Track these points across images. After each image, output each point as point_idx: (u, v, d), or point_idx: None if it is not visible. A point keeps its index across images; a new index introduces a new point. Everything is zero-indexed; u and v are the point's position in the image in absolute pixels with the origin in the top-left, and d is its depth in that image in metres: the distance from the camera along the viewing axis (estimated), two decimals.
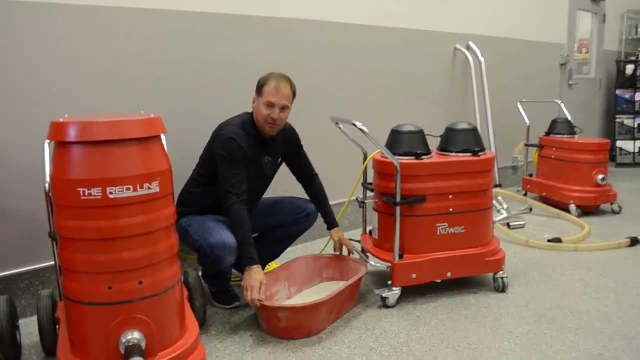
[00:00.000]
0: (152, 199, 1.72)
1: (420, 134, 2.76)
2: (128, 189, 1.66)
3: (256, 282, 2.27)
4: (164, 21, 2.87)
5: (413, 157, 2.69)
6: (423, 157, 2.70)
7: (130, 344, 1.67)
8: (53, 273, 2.62)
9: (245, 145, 2.49)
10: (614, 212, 4.47)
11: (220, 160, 2.46)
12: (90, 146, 1.65)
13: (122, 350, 1.68)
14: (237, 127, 2.51)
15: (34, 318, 2.31)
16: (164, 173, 1.78)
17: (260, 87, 2.52)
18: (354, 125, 2.52)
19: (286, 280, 2.68)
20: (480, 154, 2.79)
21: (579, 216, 4.28)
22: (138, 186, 1.68)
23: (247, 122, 2.57)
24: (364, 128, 2.51)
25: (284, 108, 2.52)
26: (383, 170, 2.75)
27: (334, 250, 2.85)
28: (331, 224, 2.85)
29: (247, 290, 2.27)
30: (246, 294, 2.27)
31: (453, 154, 2.80)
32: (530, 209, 4.53)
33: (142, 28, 2.79)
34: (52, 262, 2.51)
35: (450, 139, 2.85)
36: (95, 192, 1.63)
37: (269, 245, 2.82)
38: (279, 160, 2.77)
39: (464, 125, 2.87)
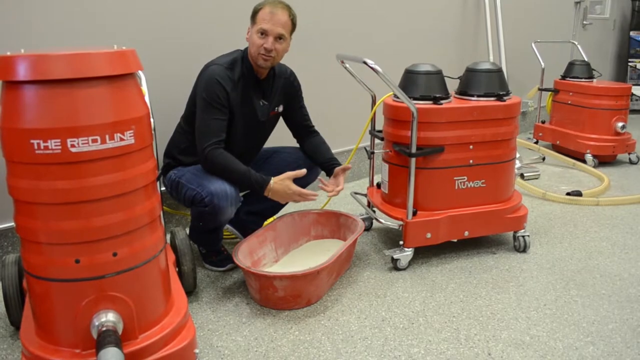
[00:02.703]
0: (126, 153, 1.39)
1: (438, 75, 2.42)
2: (95, 140, 1.32)
3: (291, 190, 2.16)
4: None
5: (431, 102, 2.35)
6: (442, 101, 2.37)
7: (104, 328, 1.37)
8: None
9: (230, 88, 2.17)
10: (631, 162, 4.20)
11: (200, 101, 2.17)
12: (46, 87, 1.30)
13: (94, 335, 1.39)
14: (223, 67, 2.19)
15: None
16: (141, 120, 1.44)
17: (254, 14, 2.20)
18: (365, 63, 2.17)
19: (273, 242, 2.39)
20: (505, 98, 2.46)
21: (595, 166, 4.00)
22: (107, 137, 1.34)
23: (239, 60, 2.24)
24: (376, 66, 2.16)
25: (279, 38, 2.18)
26: (395, 116, 2.42)
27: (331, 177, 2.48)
28: (334, 167, 2.48)
29: (298, 198, 2.19)
30: (299, 200, 2.20)
31: (474, 98, 2.46)
32: (544, 159, 4.24)
33: None
34: None
35: (472, 81, 2.51)
36: (54, 144, 1.29)
37: (268, 199, 2.50)
38: (280, 108, 2.42)
39: (486, 66, 2.52)
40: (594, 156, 4.05)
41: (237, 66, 2.22)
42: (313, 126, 2.56)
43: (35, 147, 1.30)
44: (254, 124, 2.32)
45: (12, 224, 2.28)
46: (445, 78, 2.49)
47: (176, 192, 2.27)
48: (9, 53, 1.35)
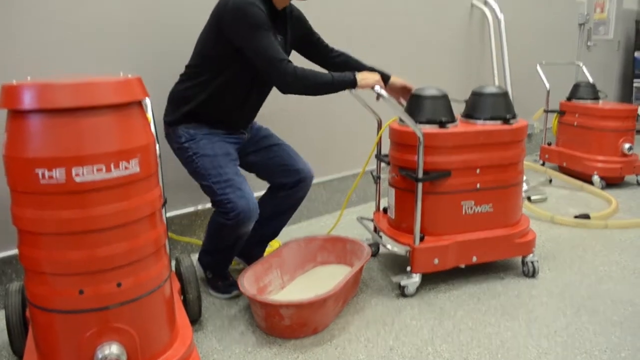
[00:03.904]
0: (131, 182, 1.38)
1: (444, 99, 2.41)
2: (99, 169, 1.32)
3: (372, 81, 2.15)
4: None
5: (437, 126, 2.34)
6: (448, 125, 2.35)
7: None
8: None
9: (265, 11, 2.06)
10: (639, 183, 4.16)
11: (246, 33, 2.01)
12: (51, 115, 1.30)
13: None
14: None
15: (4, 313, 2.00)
16: (146, 148, 1.43)
17: None
18: (372, 88, 2.17)
19: (278, 268, 2.36)
20: (511, 121, 2.44)
21: (603, 188, 3.97)
22: (112, 166, 1.34)
23: None
24: (383, 92, 2.16)
25: None
26: (402, 140, 2.41)
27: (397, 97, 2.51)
28: (384, 75, 2.45)
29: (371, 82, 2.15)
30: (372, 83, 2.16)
31: (481, 121, 2.45)
32: (550, 181, 4.21)
33: None
34: None
35: (478, 105, 2.49)
36: (58, 174, 1.28)
37: (268, 221, 2.48)
38: (289, 47, 2.35)
39: (492, 89, 2.52)
40: (601, 178, 4.02)
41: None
42: (333, 48, 2.50)
43: (40, 176, 1.29)
44: None
45: (16, 251, 2.27)
46: (451, 101, 2.48)
47: (190, 169, 2.22)
48: (14, 82, 1.35)
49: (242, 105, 2.27)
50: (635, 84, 6.43)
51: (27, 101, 1.29)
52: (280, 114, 2.94)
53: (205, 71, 2.19)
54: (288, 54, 2.31)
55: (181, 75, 2.28)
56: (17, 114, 1.33)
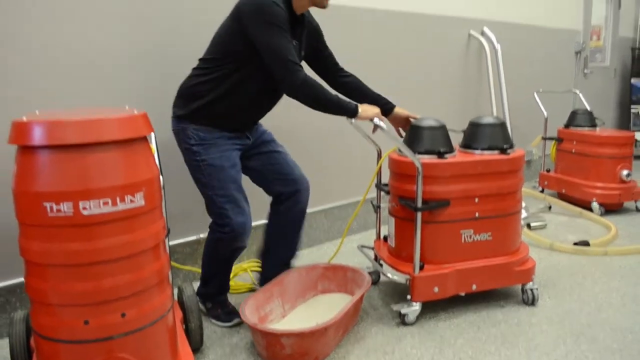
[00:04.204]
0: (135, 215, 1.42)
1: (442, 130, 2.46)
2: (106, 203, 1.36)
3: (372, 114, 2.22)
4: (156, 4, 2.55)
5: (435, 156, 2.39)
6: (446, 155, 2.40)
7: None
8: None
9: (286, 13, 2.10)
10: (638, 209, 4.19)
11: (264, 29, 2.03)
12: (59, 151, 1.35)
13: None
14: None
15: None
16: (151, 181, 1.48)
17: None
18: (371, 120, 2.22)
19: (280, 297, 2.39)
20: (509, 151, 2.49)
21: (602, 215, 3.99)
22: (118, 199, 1.38)
23: None
24: (382, 124, 2.21)
25: None
26: (401, 170, 2.45)
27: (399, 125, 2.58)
28: (388, 108, 2.52)
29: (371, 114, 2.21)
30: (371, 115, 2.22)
31: (478, 151, 2.50)
32: (550, 207, 4.24)
33: (130, 11, 2.48)
34: None
35: (475, 135, 2.54)
36: (66, 208, 1.33)
37: (279, 241, 2.53)
38: (303, 53, 2.38)
39: (490, 120, 2.57)
40: (600, 204, 4.05)
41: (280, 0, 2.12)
42: (343, 68, 2.54)
43: (48, 210, 1.33)
44: None
45: (20, 280, 2.30)
46: (449, 131, 2.53)
47: (194, 172, 2.24)
48: (25, 118, 1.40)
49: (251, 106, 2.29)
50: (632, 110, 6.50)
51: (37, 137, 1.34)
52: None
53: (219, 67, 2.18)
54: (300, 60, 2.34)
55: (194, 69, 2.27)
56: (26, 149, 1.38)
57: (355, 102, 2.20)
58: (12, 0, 2.16)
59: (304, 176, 2.49)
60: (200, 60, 2.27)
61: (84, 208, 1.33)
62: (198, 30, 2.70)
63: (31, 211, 1.35)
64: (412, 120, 2.53)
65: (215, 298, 2.44)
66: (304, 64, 2.39)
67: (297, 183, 2.44)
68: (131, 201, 1.40)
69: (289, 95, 2.13)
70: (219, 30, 2.23)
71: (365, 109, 2.21)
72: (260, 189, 2.48)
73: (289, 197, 2.45)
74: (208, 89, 2.20)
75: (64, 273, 1.38)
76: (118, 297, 1.41)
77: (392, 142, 2.28)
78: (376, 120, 2.21)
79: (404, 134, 2.56)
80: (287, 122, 2.59)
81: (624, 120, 6.69)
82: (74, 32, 2.34)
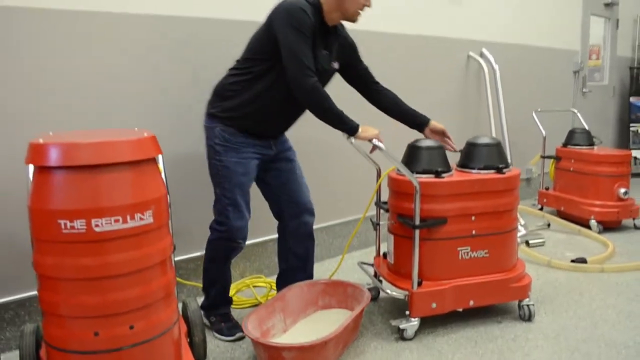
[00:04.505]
0: (144, 232, 1.50)
1: (440, 150, 2.54)
2: (117, 220, 1.44)
3: (371, 135, 2.30)
4: (160, 28, 2.65)
5: (433, 175, 2.46)
6: (444, 175, 2.47)
7: None
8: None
9: (313, 22, 2.21)
10: (636, 227, 4.24)
11: (288, 32, 2.15)
12: (74, 171, 1.43)
13: None
14: (305, 1, 2.22)
15: None
16: (159, 200, 1.56)
17: None
18: (369, 140, 2.30)
19: (282, 312, 2.45)
20: (505, 170, 2.56)
21: (600, 232, 4.05)
22: (128, 217, 1.46)
23: (310, 6, 2.24)
24: (381, 145, 2.29)
25: None
26: (399, 189, 2.52)
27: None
28: (424, 122, 2.64)
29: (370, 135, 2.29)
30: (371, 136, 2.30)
31: (475, 171, 2.57)
32: (549, 225, 4.29)
33: (135, 36, 2.58)
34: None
35: (472, 155, 2.62)
36: (79, 225, 1.41)
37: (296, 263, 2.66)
38: (336, 65, 2.47)
39: (486, 140, 2.65)
40: (599, 222, 4.11)
41: (310, 8, 2.23)
42: (379, 82, 2.65)
43: (63, 226, 1.41)
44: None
45: (29, 294, 2.38)
46: (447, 151, 2.61)
47: (211, 168, 2.39)
48: (41, 140, 1.48)
49: (278, 112, 2.39)
50: (631, 129, 6.58)
51: (53, 158, 1.43)
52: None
53: (250, 68, 2.30)
54: (332, 69, 2.44)
55: (230, 69, 2.40)
56: (42, 170, 1.46)
57: (358, 124, 2.29)
58: (29, 27, 2.27)
59: (310, 202, 2.61)
60: (236, 60, 2.40)
61: (96, 225, 1.41)
62: (205, 57, 2.81)
63: (46, 228, 1.43)
64: (448, 134, 2.66)
65: (218, 310, 2.51)
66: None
67: (299, 206, 2.57)
68: (140, 219, 1.48)
69: (298, 96, 2.22)
70: (253, 34, 2.35)
71: (365, 129, 2.30)
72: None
73: (291, 218, 2.57)
74: (239, 89, 2.33)
75: (76, 286, 1.45)
76: (127, 310, 1.48)
77: (391, 161, 2.36)
78: (375, 141, 2.29)
79: (452, 147, 2.66)
80: (290, 140, 2.68)
81: (624, 139, 6.77)
82: (85, 57, 2.44)
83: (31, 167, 1.75)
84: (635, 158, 6.56)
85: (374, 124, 2.34)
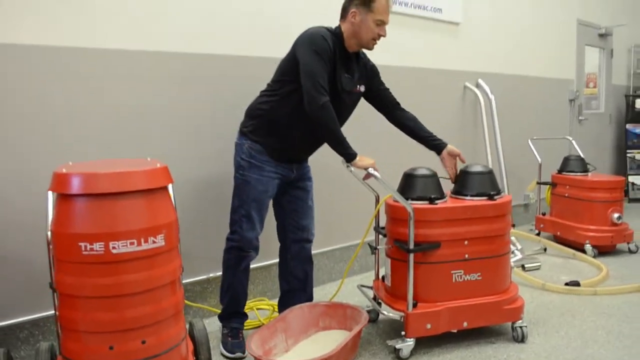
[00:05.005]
0: (156, 254, 1.64)
1: (434, 178, 2.68)
2: (132, 243, 1.58)
3: (367, 164, 2.45)
4: (170, 64, 2.83)
5: (427, 202, 2.60)
6: (437, 201, 2.61)
7: None
8: (54, 323, 2.49)
9: (333, 49, 2.40)
10: (631, 251, 4.34)
11: (307, 54, 2.35)
12: (93, 199, 1.58)
13: None
14: (326, 30, 2.45)
15: None
16: (170, 225, 1.70)
17: (369, 2, 2.43)
18: (365, 169, 2.45)
19: (283, 333, 2.56)
20: (496, 197, 2.70)
21: (595, 256, 4.15)
22: (142, 240, 1.60)
23: (333, 32, 2.49)
24: (376, 173, 2.43)
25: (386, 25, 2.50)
26: (396, 215, 2.66)
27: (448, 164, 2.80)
28: (442, 145, 2.79)
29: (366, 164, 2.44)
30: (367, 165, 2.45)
31: (468, 198, 2.71)
32: (545, 249, 4.40)
33: (145, 71, 2.75)
34: (53, 312, 2.44)
35: (465, 182, 2.76)
36: (98, 247, 1.55)
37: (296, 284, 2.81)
38: (362, 88, 2.66)
39: (478, 168, 2.79)
40: (594, 246, 4.21)
41: (333, 36, 2.45)
42: (400, 104, 2.82)
43: (83, 248, 1.55)
44: (336, 94, 2.47)
45: (43, 314, 2.51)
46: (442, 179, 2.74)
47: (235, 179, 2.57)
48: (64, 170, 1.63)
49: (302, 134, 2.54)
50: (628, 155, 6.71)
51: (74, 187, 1.58)
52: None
53: (278, 91, 2.50)
54: (356, 91, 2.63)
55: (261, 92, 2.60)
56: (64, 197, 1.61)
57: (356, 152, 2.44)
58: (54, 64, 2.45)
59: (312, 229, 2.81)
60: (267, 84, 2.59)
61: (113, 247, 1.55)
62: (213, 92, 2.98)
63: (67, 249, 1.57)
64: (463, 159, 2.80)
65: (230, 323, 2.65)
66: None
67: (304, 236, 2.78)
68: (153, 242, 1.62)
69: (309, 111, 2.37)
70: (282, 59, 2.54)
71: (362, 158, 2.46)
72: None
73: (292, 242, 2.75)
74: (267, 108, 2.52)
75: (93, 304, 1.59)
76: (140, 326, 1.61)
77: (386, 189, 2.49)
78: (371, 170, 2.43)
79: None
80: None
81: (621, 165, 6.89)
82: (104, 92, 2.61)
83: (50, 195, 1.91)
84: (633, 184, 6.69)
85: (374, 152, 2.50)
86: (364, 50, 2.65)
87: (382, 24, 2.46)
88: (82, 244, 1.55)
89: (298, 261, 2.78)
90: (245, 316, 2.73)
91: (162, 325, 1.67)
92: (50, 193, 1.95)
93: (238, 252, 2.57)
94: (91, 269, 1.56)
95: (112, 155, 2.62)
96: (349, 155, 2.44)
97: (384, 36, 2.50)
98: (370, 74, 2.72)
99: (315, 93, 2.34)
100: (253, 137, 2.54)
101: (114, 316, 1.58)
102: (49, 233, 1.85)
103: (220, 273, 2.68)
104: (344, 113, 2.62)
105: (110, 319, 1.58)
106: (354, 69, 2.59)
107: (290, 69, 2.44)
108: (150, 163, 1.77)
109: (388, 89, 2.81)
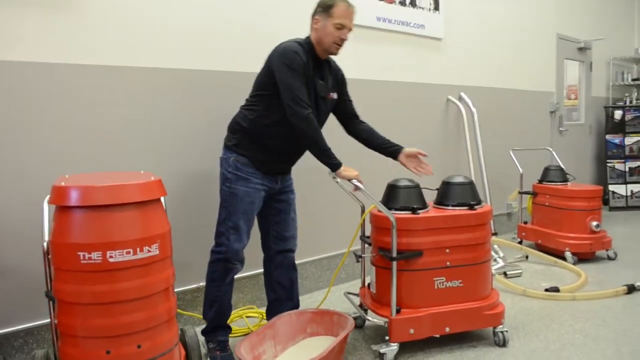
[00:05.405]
0: (151, 262, 1.73)
1: (416, 189, 2.79)
2: (128, 252, 1.67)
3: (352, 175, 2.54)
4: (164, 80, 2.93)
5: (409, 212, 2.71)
6: (419, 211, 2.72)
7: None
8: (48, 332, 2.59)
9: (305, 60, 2.51)
10: (609, 258, 4.48)
11: (283, 70, 2.47)
12: (91, 210, 1.66)
13: None
14: (297, 43, 2.54)
15: None
16: (164, 235, 1.79)
17: (328, 8, 2.55)
18: (350, 181, 2.55)
19: (272, 339, 2.64)
20: (476, 207, 2.81)
21: (575, 263, 4.28)
22: (138, 249, 1.69)
23: (304, 43, 2.59)
24: (360, 185, 2.54)
25: (349, 30, 2.59)
26: (380, 224, 2.76)
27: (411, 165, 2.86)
28: (397, 150, 2.86)
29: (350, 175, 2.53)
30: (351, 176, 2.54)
31: (450, 207, 2.82)
32: (527, 257, 4.53)
33: (140, 86, 2.85)
34: (47, 320, 2.50)
35: (447, 193, 2.87)
36: (96, 256, 1.64)
37: (282, 293, 2.87)
38: (335, 95, 2.75)
39: (460, 179, 2.90)
40: (573, 254, 4.35)
41: (304, 47, 2.56)
42: (359, 116, 2.92)
43: (81, 258, 1.64)
44: (314, 98, 2.60)
45: (37, 323, 2.58)
46: (425, 189, 2.85)
47: (221, 192, 2.62)
48: (63, 183, 1.72)
49: (282, 145, 2.63)
50: (608, 165, 6.88)
51: (73, 199, 1.67)
52: None
53: (257, 104, 2.60)
54: (330, 98, 2.72)
55: (241, 107, 2.68)
56: (63, 209, 1.69)
57: (341, 163, 2.55)
58: (42, 81, 2.54)
59: (295, 239, 2.88)
60: (246, 99, 2.68)
61: (110, 256, 1.64)
62: (203, 105, 3.08)
63: (66, 259, 1.66)
64: (425, 154, 2.86)
65: (216, 336, 2.69)
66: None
67: (287, 246, 2.85)
68: (148, 251, 1.71)
69: (293, 123, 2.48)
70: (258, 74, 2.64)
71: (346, 169, 2.56)
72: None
73: (277, 253, 2.83)
74: (247, 123, 2.60)
75: (91, 310, 1.67)
76: (135, 331, 1.70)
77: (370, 200, 2.60)
78: (355, 181, 2.54)
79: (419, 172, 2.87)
80: None
81: (601, 175, 7.07)
82: (93, 106, 2.70)
83: (46, 206, 1.99)
84: (614, 192, 6.86)
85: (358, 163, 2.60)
86: (335, 59, 2.77)
87: (342, 27, 2.55)
88: (81, 254, 1.63)
89: (283, 270, 2.85)
90: (230, 329, 2.77)
91: (157, 331, 1.75)
92: (46, 204, 2.04)
93: (224, 264, 2.61)
94: (89, 277, 1.64)
95: (103, 168, 2.70)
96: (333, 165, 2.55)
97: (346, 40, 2.59)
98: (340, 82, 2.82)
99: (296, 106, 2.45)
100: (238, 150, 2.61)
101: (111, 322, 1.67)
102: (45, 244, 1.94)
103: None
104: (320, 120, 2.69)
105: (107, 324, 1.66)
106: (327, 76, 2.70)
107: (266, 83, 2.55)
108: (145, 176, 1.86)
109: (351, 101, 2.91)
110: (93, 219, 1.65)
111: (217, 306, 2.68)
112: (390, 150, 2.87)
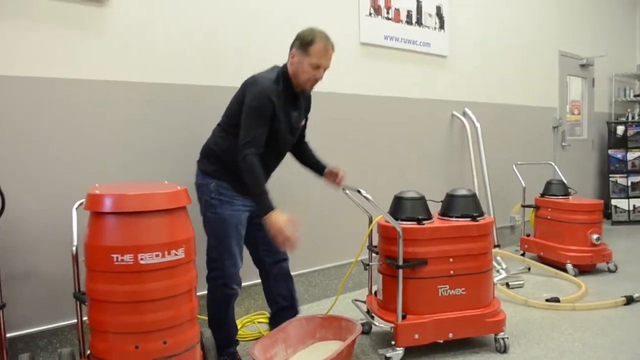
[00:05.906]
0: (177, 265, 1.88)
1: (421, 200, 2.93)
2: (157, 255, 1.82)
3: (282, 223, 2.38)
4: (167, 95, 3.09)
5: (415, 222, 2.85)
6: (424, 222, 2.86)
7: None
8: (71, 332, 2.73)
9: (276, 101, 2.50)
10: (610, 270, 4.59)
11: (249, 109, 2.47)
12: (123, 216, 1.82)
13: None
14: (272, 82, 2.53)
15: None
16: (189, 240, 1.94)
17: (306, 46, 2.53)
18: (359, 192, 2.70)
19: (283, 343, 2.77)
20: (479, 219, 2.95)
21: (576, 275, 4.40)
22: (166, 253, 1.84)
23: (281, 75, 2.58)
24: (368, 196, 2.69)
25: (326, 68, 2.60)
26: (387, 234, 2.90)
27: (330, 179, 2.91)
28: (323, 167, 2.92)
29: (279, 235, 2.39)
30: (280, 239, 2.40)
31: (453, 219, 2.96)
32: (529, 269, 4.65)
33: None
34: (72, 321, 2.65)
35: (451, 205, 3.02)
36: (128, 258, 1.78)
37: (281, 301, 2.95)
38: (304, 122, 2.82)
39: (463, 192, 3.05)
40: (574, 266, 4.46)
41: (280, 81, 2.56)
42: (305, 139, 2.97)
43: (114, 259, 1.79)
44: (289, 130, 2.67)
45: (61, 323, 2.72)
46: (430, 202, 3.00)
47: (207, 220, 2.62)
48: (97, 191, 1.88)
49: (273, 158, 2.69)
50: (611, 179, 7.00)
51: (107, 206, 1.82)
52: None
53: (228, 130, 2.61)
54: (302, 126, 2.82)
55: (213, 130, 2.72)
56: (98, 214, 1.85)
57: (275, 209, 2.44)
58: (70, 96, 2.71)
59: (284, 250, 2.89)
60: (217, 124, 2.72)
61: (141, 259, 1.79)
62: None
63: (100, 260, 1.81)
64: (340, 172, 2.90)
65: (225, 350, 2.79)
66: None
67: (279, 257, 2.89)
68: (175, 254, 1.86)
69: (238, 159, 2.45)
70: (231, 99, 2.69)
71: (277, 215, 2.42)
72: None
73: (271, 265, 2.89)
74: (221, 149, 2.62)
75: (121, 308, 1.82)
76: (161, 328, 1.85)
77: (378, 211, 2.74)
78: (363, 192, 2.68)
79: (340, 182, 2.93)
80: (288, 195, 3.05)
81: (604, 189, 7.19)
82: (115, 120, 2.87)
83: (74, 212, 2.15)
84: (616, 207, 6.97)
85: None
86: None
87: (317, 67, 2.55)
88: (114, 256, 1.78)
89: (281, 282, 2.92)
90: (238, 342, 2.86)
91: (181, 328, 1.90)
92: (74, 211, 2.20)
93: (224, 290, 2.63)
94: (121, 277, 1.79)
95: (129, 178, 2.85)
96: (264, 209, 2.44)
97: (320, 79, 2.60)
98: (308, 108, 2.87)
99: (242, 147, 2.44)
100: (218, 176, 2.61)
101: (140, 319, 1.81)
102: (74, 248, 2.09)
103: None
104: (287, 149, 2.79)
105: (136, 321, 1.81)
106: (301, 105, 2.75)
107: (238, 110, 2.55)
108: (171, 186, 2.02)
109: (305, 125, 2.92)
110: (126, 224, 1.81)
111: (224, 331, 2.75)
112: (320, 166, 2.95)
